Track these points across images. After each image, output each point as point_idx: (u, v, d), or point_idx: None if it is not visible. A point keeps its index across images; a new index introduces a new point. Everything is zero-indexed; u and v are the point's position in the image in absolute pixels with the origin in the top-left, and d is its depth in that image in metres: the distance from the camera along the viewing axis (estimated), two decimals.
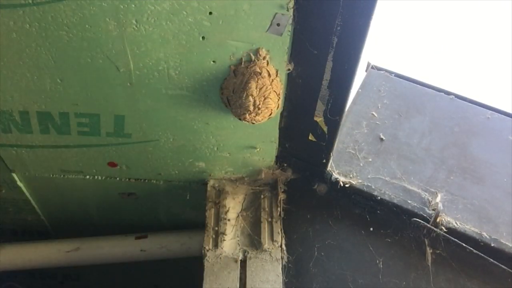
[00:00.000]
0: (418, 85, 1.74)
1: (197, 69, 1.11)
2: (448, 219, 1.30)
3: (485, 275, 1.26)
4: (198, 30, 1.01)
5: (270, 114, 1.16)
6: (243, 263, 1.31)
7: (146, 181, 1.54)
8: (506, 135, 1.58)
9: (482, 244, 1.26)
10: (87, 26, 1.01)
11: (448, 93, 1.71)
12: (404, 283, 1.27)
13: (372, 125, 1.58)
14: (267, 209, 1.42)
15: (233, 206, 1.45)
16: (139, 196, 1.63)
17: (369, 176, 1.41)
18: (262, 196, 1.45)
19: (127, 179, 1.53)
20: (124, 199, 1.64)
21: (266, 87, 1.08)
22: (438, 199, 1.34)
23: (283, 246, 1.34)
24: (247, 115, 1.11)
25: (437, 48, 1.97)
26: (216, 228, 1.39)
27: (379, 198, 1.35)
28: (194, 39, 1.03)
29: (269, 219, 1.39)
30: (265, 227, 1.37)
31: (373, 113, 1.62)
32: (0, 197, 1.64)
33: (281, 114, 1.26)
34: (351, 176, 1.41)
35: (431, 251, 1.29)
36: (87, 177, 1.53)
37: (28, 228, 1.89)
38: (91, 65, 1.10)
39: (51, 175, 1.52)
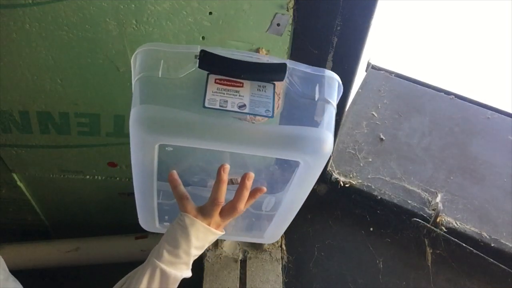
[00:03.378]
0: (418, 85, 1.74)
1: None
2: (448, 219, 1.30)
3: (485, 275, 1.26)
4: (198, 30, 1.01)
5: None
6: (243, 263, 1.31)
7: None
8: (506, 135, 1.58)
9: (482, 244, 1.26)
10: (87, 26, 1.00)
11: (448, 93, 1.71)
12: (404, 283, 1.27)
13: (372, 125, 1.58)
14: None
15: None
16: None
17: (369, 176, 1.41)
18: None
19: (127, 179, 1.53)
20: (124, 199, 1.64)
21: None
22: (438, 199, 1.34)
23: (283, 246, 1.34)
24: None
25: (437, 48, 1.96)
26: None
27: (379, 198, 1.35)
28: (194, 39, 1.03)
29: None
30: None
31: (373, 113, 1.62)
32: (0, 197, 1.64)
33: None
34: (351, 176, 1.41)
35: (431, 251, 1.29)
36: (87, 177, 1.53)
37: (28, 228, 1.89)
38: (91, 65, 1.10)
39: (51, 175, 1.52)
